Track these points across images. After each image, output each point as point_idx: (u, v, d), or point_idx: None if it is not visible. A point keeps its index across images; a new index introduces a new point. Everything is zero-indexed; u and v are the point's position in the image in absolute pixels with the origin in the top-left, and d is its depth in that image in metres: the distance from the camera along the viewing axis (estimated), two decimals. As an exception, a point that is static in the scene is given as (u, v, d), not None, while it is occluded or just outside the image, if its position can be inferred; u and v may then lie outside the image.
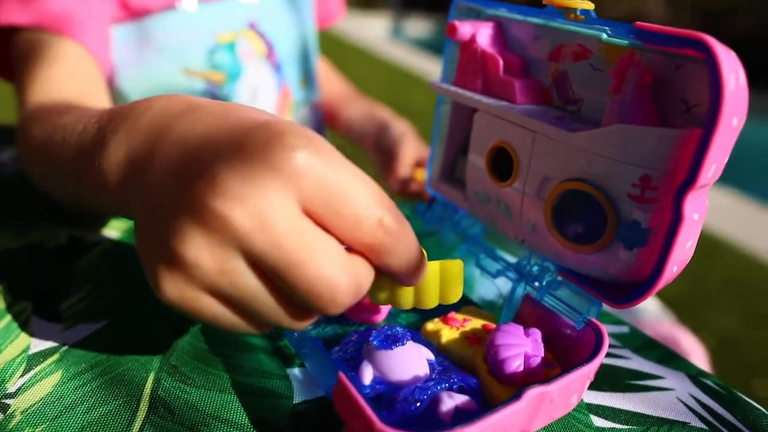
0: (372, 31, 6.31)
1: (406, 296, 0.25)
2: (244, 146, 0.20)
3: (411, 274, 0.23)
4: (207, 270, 0.20)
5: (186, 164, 0.21)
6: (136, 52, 0.53)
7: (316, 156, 0.20)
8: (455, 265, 0.25)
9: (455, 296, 0.25)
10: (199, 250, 0.20)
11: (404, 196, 0.66)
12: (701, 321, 1.78)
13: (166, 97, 0.26)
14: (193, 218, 0.20)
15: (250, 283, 0.21)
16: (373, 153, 0.71)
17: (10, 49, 0.48)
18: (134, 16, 0.52)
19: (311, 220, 0.21)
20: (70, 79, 0.45)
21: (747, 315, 1.84)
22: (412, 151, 0.65)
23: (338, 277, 0.20)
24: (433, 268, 0.25)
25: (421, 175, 0.62)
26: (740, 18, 5.84)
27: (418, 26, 7.02)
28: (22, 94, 0.44)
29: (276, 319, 0.22)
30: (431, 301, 0.25)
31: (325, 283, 0.20)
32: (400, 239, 0.22)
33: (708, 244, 2.20)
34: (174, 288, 0.21)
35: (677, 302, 1.84)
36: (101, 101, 0.46)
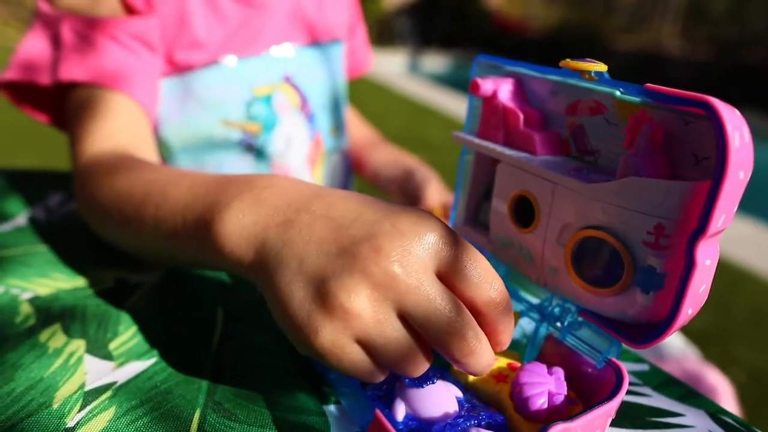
0: (390, 66, 6.44)
1: None
2: (397, 223, 0.26)
3: (508, 333, 0.28)
4: (367, 319, 0.25)
5: (337, 236, 0.26)
6: (180, 104, 0.57)
7: (448, 233, 0.27)
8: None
9: None
10: (364, 302, 0.25)
11: None
12: (730, 355, 1.74)
13: (289, 178, 0.32)
14: (362, 277, 0.25)
15: (396, 334, 0.25)
16: (398, 197, 0.74)
17: (66, 102, 0.52)
18: (179, 70, 0.56)
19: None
20: (124, 132, 0.48)
21: (779, 348, 1.79)
22: (436, 195, 0.68)
23: (490, 356, 0.27)
24: None
25: (438, 212, 0.64)
26: (755, 48, 5.84)
27: (435, 61, 7.14)
28: (78, 144, 0.47)
29: (404, 365, 0.26)
30: None
31: (481, 363, 0.26)
32: (507, 299, 0.27)
33: (732, 275, 2.17)
34: (331, 335, 0.25)
35: (704, 336, 1.81)
36: (151, 153, 0.49)
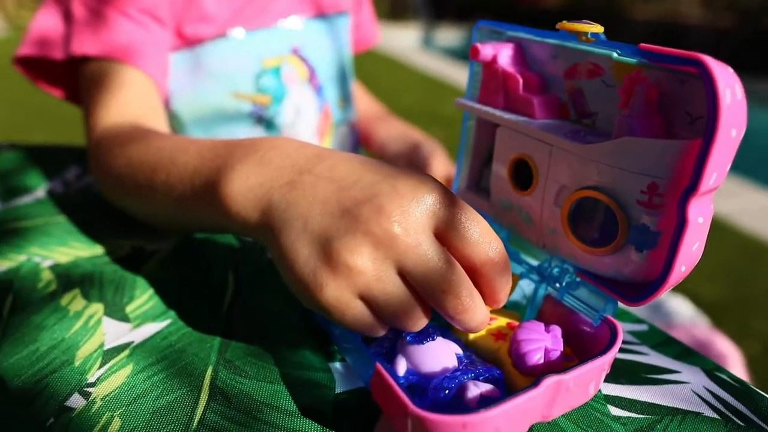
0: (403, 41, 6.36)
1: None
2: (396, 184, 0.27)
3: (505, 291, 0.29)
4: (369, 276, 0.26)
5: (339, 196, 0.27)
6: (190, 77, 0.58)
7: (446, 195, 0.27)
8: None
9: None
10: (367, 260, 0.26)
11: None
12: (747, 327, 1.73)
13: (292, 140, 0.32)
14: (364, 236, 0.26)
15: (396, 290, 0.26)
16: None
17: (79, 76, 0.53)
18: (188, 44, 0.57)
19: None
20: (135, 104, 0.49)
21: (795, 321, 1.78)
22: (442, 168, 0.69)
23: (483, 314, 0.28)
24: None
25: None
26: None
27: (449, 35, 7.04)
28: (91, 117, 0.48)
29: (404, 320, 0.27)
30: None
31: (475, 320, 0.27)
32: (504, 258, 0.28)
33: (752, 247, 2.14)
34: (335, 291, 0.26)
35: (722, 307, 1.80)
36: (162, 125, 0.50)
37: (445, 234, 0.27)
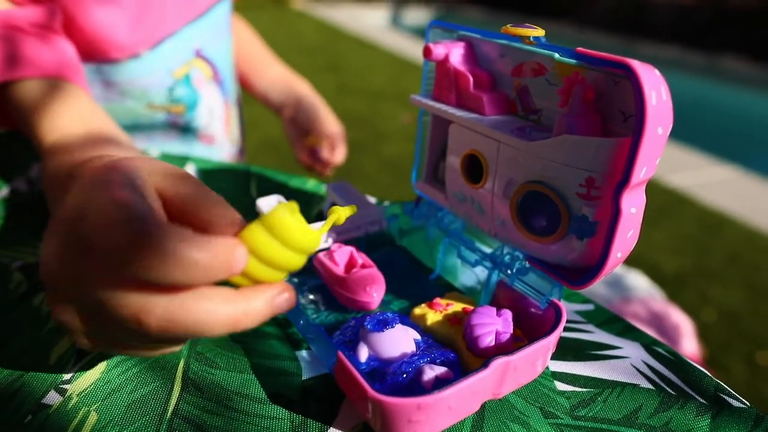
0: (372, 20, 6.31)
1: (259, 272, 0.24)
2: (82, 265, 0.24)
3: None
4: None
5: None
6: (101, 90, 0.58)
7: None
8: (276, 213, 0.24)
9: (306, 241, 0.25)
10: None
11: (311, 171, 0.79)
12: (704, 295, 1.81)
13: (73, 190, 0.27)
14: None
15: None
16: (288, 126, 0.80)
17: (7, 103, 0.49)
18: (98, 63, 0.56)
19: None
20: (78, 115, 0.46)
21: (750, 289, 1.87)
22: (325, 127, 0.75)
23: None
24: (254, 228, 0.24)
25: (313, 140, 0.75)
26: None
27: (417, 15, 7.01)
28: (37, 131, 0.45)
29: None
30: (282, 259, 0.24)
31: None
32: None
33: (711, 219, 2.23)
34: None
35: (682, 278, 1.88)
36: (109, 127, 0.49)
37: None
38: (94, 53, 0.56)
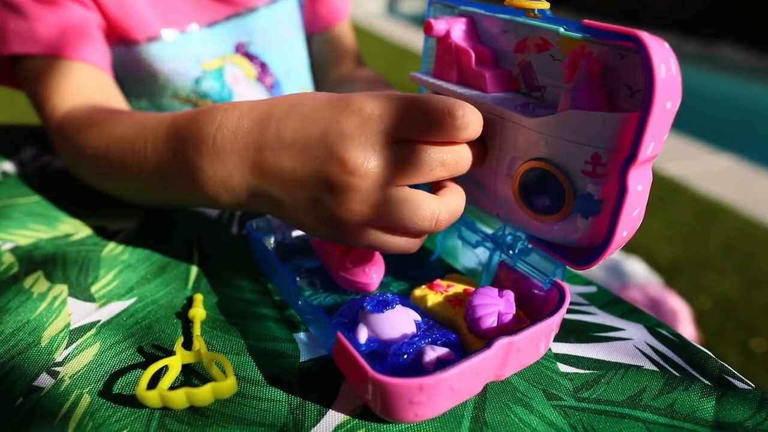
0: (368, 7, 6.26)
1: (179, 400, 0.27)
2: (341, 128, 0.29)
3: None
4: (369, 215, 0.29)
5: (303, 162, 0.29)
6: (134, 70, 0.56)
7: (390, 101, 0.29)
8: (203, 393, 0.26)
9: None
10: (361, 206, 0.29)
11: None
12: (699, 283, 1.81)
13: (226, 110, 0.32)
14: (345, 192, 0.28)
15: (396, 195, 0.29)
16: None
17: (19, 71, 0.51)
18: (121, 44, 0.55)
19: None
20: (90, 88, 0.48)
21: (745, 277, 1.87)
22: None
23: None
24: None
25: None
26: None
27: (413, 2, 6.96)
28: (47, 104, 0.47)
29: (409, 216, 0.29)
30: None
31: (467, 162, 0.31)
32: (468, 119, 0.29)
33: (706, 208, 2.23)
34: (355, 237, 0.30)
35: (677, 266, 1.88)
36: (119, 102, 0.49)
37: (410, 135, 0.29)
38: (114, 32, 0.54)
